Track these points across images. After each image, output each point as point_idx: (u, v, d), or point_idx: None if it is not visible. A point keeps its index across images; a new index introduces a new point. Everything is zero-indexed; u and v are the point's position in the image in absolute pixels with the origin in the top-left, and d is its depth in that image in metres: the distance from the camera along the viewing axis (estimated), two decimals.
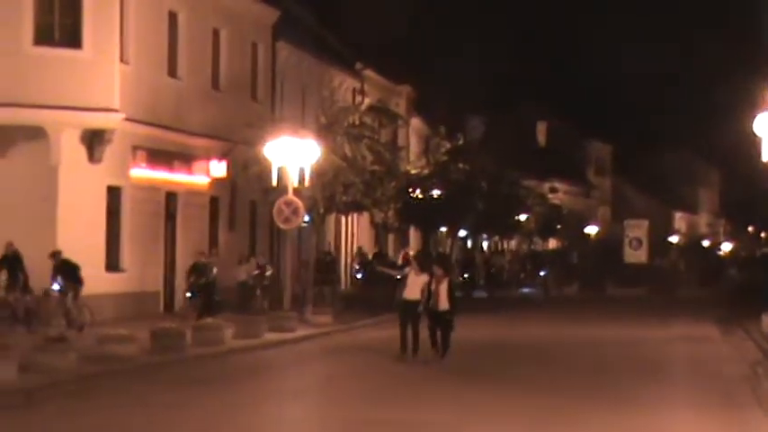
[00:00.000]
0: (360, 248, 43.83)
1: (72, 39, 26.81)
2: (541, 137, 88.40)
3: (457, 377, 19.75)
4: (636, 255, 62.27)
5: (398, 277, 32.45)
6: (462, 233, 58.63)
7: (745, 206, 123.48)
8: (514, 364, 22.41)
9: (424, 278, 22.04)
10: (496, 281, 52.67)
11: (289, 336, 26.37)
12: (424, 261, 24.59)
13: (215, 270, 29.04)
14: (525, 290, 54.36)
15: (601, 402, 16.63)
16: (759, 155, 27.67)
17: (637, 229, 64.12)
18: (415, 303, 21.88)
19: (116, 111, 27.37)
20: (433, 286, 21.83)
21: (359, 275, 37.58)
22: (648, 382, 19.34)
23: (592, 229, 77.35)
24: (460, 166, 50.41)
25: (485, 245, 65.33)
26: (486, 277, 53.43)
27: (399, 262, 36.39)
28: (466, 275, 49.60)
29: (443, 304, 21.72)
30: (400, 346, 21.94)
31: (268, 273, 32.89)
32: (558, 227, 72.80)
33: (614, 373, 20.86)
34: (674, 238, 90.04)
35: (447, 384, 18.64)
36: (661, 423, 14.85)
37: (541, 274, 53.98)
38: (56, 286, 25.15)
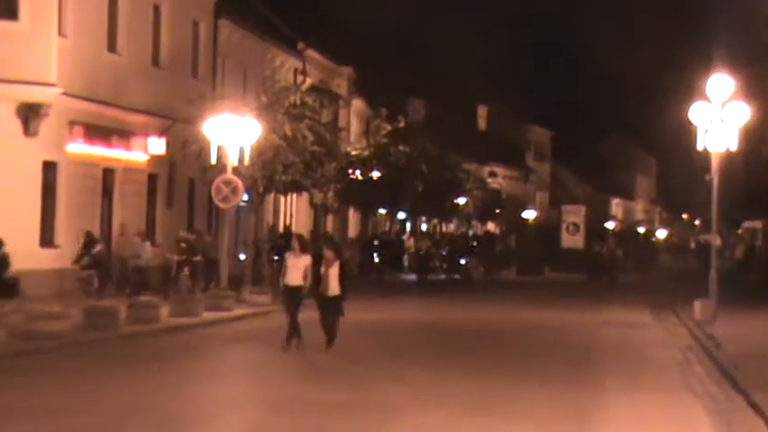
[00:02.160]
0: (271, 227, 42.53)
1: (8, 10, 26.43)
2: (482, 121, 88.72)
3: (394, 359, 19.79)
4: (573, 240, 62.84)
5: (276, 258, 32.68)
6: (401, 215, 58.78)
7: (681, 194, 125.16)
8: (452, 347, 22.50)
9: (305, 260, 20.14)
10: (422, 264, 50.17)
11: (225, 315, 26.26)
12: (312, 242, 23.11)
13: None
14: (445, 276, 50.71)
15: (536, 386, 16.77)
16: (695, 143, 28.07)
17: (574, 215, 64.70)
18: (296, 289, 20.10)
19: (53, 85, 27.01)
20: (322, 269, 20.11)
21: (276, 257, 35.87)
22: (582, 366, 19.54)
23: (530, 214, 77.90)
24: (401, 148, 50.51)
25: (424, 227, 65.51)
26: (415, 260, 51.22)
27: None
28: (376, 256, 47.09)
29: (333, 289, 19.92)
30: (286, 335, 20.13)
31: (197, 257, 31.22)
32: (497, 211, 73.21)
33: (549, 357, 21.04)
34: (610, 224, 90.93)
35: (385, 366, 18.67)
36: (594, 406, 15.00)
37: (462, 261, 50.66)
38: None
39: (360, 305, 31.17)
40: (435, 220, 67.69)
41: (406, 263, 51.59)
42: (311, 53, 48.90)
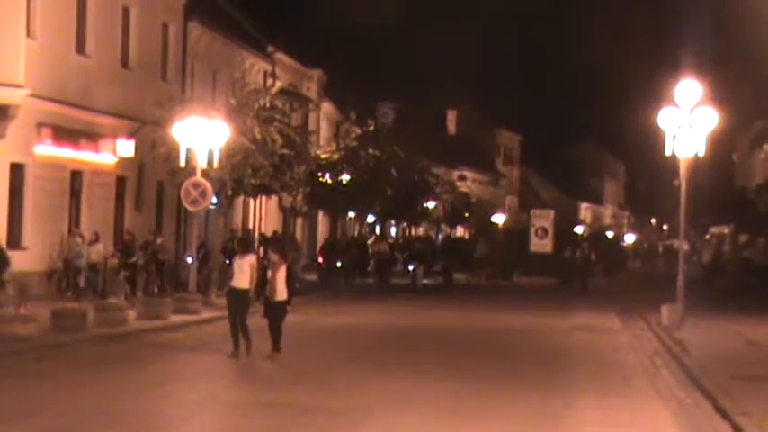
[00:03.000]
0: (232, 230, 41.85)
1: None
2: (451, 125, 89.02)
3: (363, 363, 19.78)
4: (542, 244, 63.01)
5: (189, 261, 32.52)
6: (371, 219, 58.80)
7: (649, 198, 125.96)
8: (420, 351, 22.52)
9: (249, 260, 19.43)
10: (380, 268, 48.33)
11: (193, 318, 26.16)
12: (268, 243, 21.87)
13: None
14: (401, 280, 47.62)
15: (506, 389, 16.82)
16: (663, 149, 28.24)
17: (543, 219, 64.88)
18: (241, 292, 19.30)
19: (20, 86, 26.82)
20: (269, 274, 19.44)
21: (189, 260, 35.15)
22: (552, 370, 19.61)
23: (499, 218, 78.18)
24: (370, 151, 50.55)
25: (393, 231, 65.56)
26: (376, 264, 49.18)
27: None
28: (339, 263, 44.48)
29: (281, 293, 19.21)
30: (233, 343, 19.38)
31: (132, 259, 30.85)
32: (466, 215, 73.41)
33: (517, 361, 21.11)
34: (579, 229, 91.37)
35: (354, 370, 18.65)
36: (564, 409, 15.06)
37: (410, 267, 46.77)
38: None
39: (321, 309, 31.32)
40: (404, 224, 67.79)
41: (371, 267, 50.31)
42: (281, 56, 48.88)
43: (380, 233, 59.98)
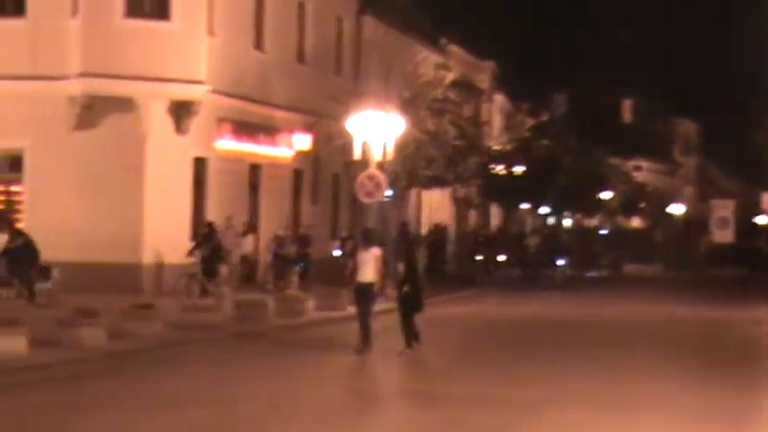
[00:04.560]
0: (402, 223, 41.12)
1: (161, 11, 27.15)
2: (626, 114, 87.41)
3: (527, 356, 19.67)
4: (723, 234, 61.36)
5: (338, 254, 32.34)
6: (544, 210, 58.34)
7: None
8: (590, 343, 22.23)
9: (374, 253, 18.61)
10: (525, 261, 45.70)
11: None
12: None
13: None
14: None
15: (680, 383, 16.31)
16: None
17: (723, 209, 63.17)
18: (367, 286, 18.63)
19: (202, 83, 27.67)
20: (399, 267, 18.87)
21: (338, 252, 33.25)
22: (732, 365, 19.05)
23: (676, 209, 76.38)
24: (543, 142, 50.15)
25: (568, 223, 64.81)
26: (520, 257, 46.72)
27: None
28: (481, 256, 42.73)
29: (410, 286, 18.56)
30: (361, 338, 18.63)
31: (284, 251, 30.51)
32: (642, 205, 72.04)
33: (694, 355, 20.58)
34: (761, 219, 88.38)
35: (523, 363, 18.57)
36: (745, 405, 14.61)
37: (559, 263, 42.11)
38: None
39: (475, 301, 31.29)
40: (578, 215, 66.96)
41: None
42: (453, 48, 48.92)
43: (540, 226, 58.50)
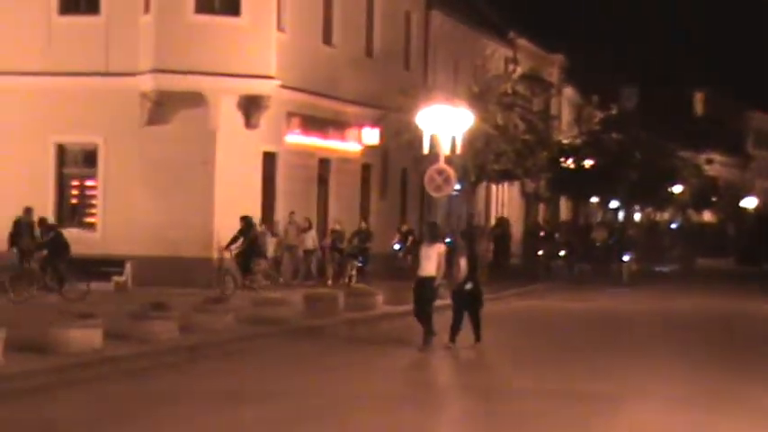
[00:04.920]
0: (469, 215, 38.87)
1: (231, 7, 27.35)
2: (698, 107, 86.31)
3: (602, 348, 19.53)
4: None
5: (397, 248, 31.94)
6: (614, 204, 57.86)
7: None
8: (669, 337, 22.01)
9: (438, 248, 18.27)
10: (591, 256, 43.23)
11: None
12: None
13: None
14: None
15: (763, 381, 16.04)
16: None
17: None
18: (428, 280, 18.29)
19: (272, 78, 27.83)
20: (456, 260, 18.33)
21: (397, 247, 32.79)
22: None
23: (750, 202, 75.28)
24: (614, 136, 49.71)
25: (637, 217, 64.24)
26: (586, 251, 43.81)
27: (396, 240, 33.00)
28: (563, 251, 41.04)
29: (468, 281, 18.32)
30: (424, 332, 18.41)
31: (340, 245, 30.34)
32: (714, 199, 71.14)
33: None
34: None
35: (598, 356, 18.45)
36: None
37: (625, 258, 39.31)
38: None
39: (546, 296, 31.10)
40: (649, 209, 66.33)
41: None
42: (522, 41, 48.68)
43: (605, 219, 57.08)
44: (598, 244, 44.21)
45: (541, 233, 43.01)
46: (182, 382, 14.81)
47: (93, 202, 28.43)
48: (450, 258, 18.32)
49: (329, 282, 29.44)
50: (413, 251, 30.02)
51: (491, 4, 47.62)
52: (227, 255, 26.09)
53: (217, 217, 27.33)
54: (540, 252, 40.64)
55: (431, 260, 18.14)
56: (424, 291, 18.31)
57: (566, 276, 38.83)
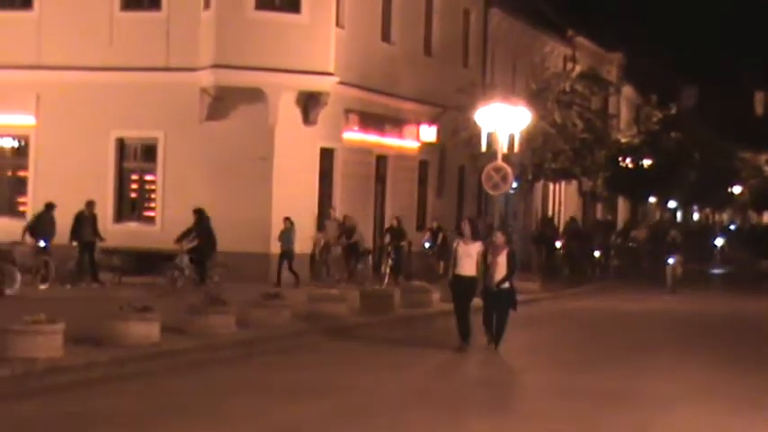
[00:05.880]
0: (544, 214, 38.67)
1: (291, 3, 27.43)
2: (759, 107, 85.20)
3: (673, 349, 19.35)
4: None
5: (427, 246, 30.82)
6: (672, 204, 57.34)
7: None
8: (729, 339, 21.76)
9: (477, 247, 17.59)
10: (629, 258, 41.76)
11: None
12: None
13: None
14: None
15: None
16: None
17: None
18: (468, 280, 17.55)
19: (331, 74, 27.89)
20: (489, 258, 17.52)
21: (427, 245, 31.87)
22: None
23: None
24: (672, 135, 49.29)
25: (696, 217, 63.61)
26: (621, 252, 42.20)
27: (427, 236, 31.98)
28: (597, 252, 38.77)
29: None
30: (461, 335, 17.79)
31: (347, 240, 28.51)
32: None
33: None
34: None
35: (661, 357, 18.28)
36: None
37: (669, 261, 34.08)
38: None
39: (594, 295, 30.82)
40: (707, 210, 65.67)
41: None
42: (580, 40, 48.40)
43: (647, 218, 55.71)
44: (633, 245, 42.11)
45: (578, 232, 39.76)
46: (239, 376, 14.89)
47: (153, 196, 28.68)
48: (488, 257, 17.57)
49: (338, 279, 27.63)
50: (442, 249, 30.35)
51: (550, 2, 47.37)
52: (180, 248, 24.60)
53: (274, 212, 27.43)
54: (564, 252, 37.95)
55: (471, 258, 17.50)
56: (464, 290, 17.62)
57: (599, 278, 37.02)
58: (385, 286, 25.54)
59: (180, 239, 24.71)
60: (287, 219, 26.92)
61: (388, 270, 28.68)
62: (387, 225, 31.15)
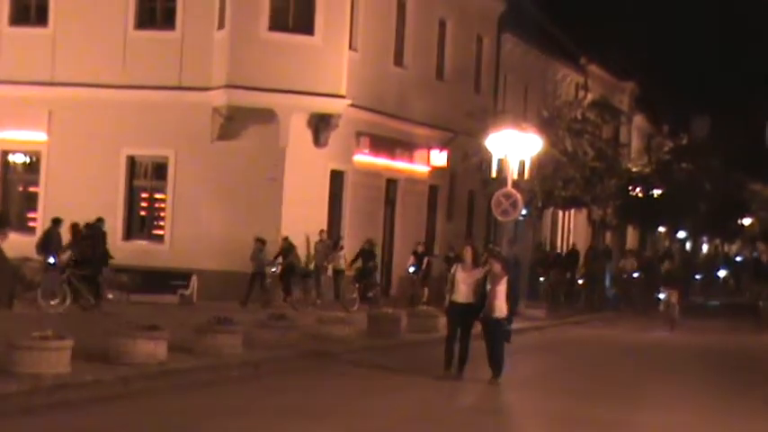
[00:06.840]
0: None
1: (305, 25, 27.54)
2: None
3: (681, 379, 19.27)
4: None
5: (411, 270, 29.76)
6: (681, 234, 57.24)
7: None
8: (734, 370, 21.67)
9: (478, 274, 17.17)
10: (625, 290, 39.84)
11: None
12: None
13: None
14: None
15: None
16: None
17: None
18: (467, 307, 17.18)
19: (343, 97, 27.94)
20: (488, 287, 17.02)
21: (411, 269, 30.71)
22: None
23: None
24: (683, 165, 49.25)
25: (705, 248, 63.46)
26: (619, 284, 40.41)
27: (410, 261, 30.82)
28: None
29: (500, 310, 16.95)
30: (444, 360, 17.41)
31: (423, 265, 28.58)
32: None
33: None
34: None
35: (670, 385, 18.20)
36: None
37: (661, 296, 33.23)
38: None
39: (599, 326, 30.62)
40: (717, 241, 65.56)
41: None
42: (593, 68, 48.47)
43: (636, 246, 54.36)
44: (624, 276, 39.87)
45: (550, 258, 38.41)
46: (246, 396, 14.85)
47: (162, 214, 28.72)
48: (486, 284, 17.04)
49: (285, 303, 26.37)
50: (426, 274, 30.16)
51: (563, 30, 47.45)
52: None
53: (284, 233, 27.43)
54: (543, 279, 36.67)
55: (469, 286, 17.14)
56: (459, 316, 17.22)
57: (580, 307, 36.05)
58: (354, 310, 25.20)
59: (60, 252, 23.32)
60: (285, 238, 26.74)
61: (355, 295, 27.67)
62: (412, 250, 30.47)
